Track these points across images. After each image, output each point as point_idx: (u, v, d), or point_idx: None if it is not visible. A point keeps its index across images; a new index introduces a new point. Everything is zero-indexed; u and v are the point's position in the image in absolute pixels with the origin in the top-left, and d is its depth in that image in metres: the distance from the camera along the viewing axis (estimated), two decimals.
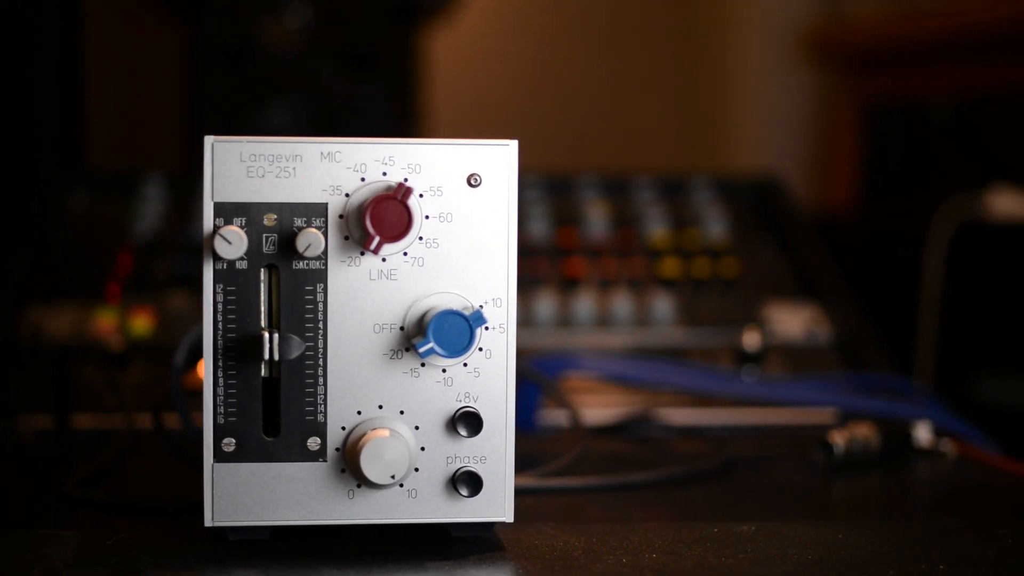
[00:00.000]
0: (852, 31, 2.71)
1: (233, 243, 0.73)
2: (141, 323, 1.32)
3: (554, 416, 1.17)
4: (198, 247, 1.40)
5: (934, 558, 0.76)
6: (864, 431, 1.08)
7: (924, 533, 0.84)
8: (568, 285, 1.40)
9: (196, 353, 0.96)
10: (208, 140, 0.75)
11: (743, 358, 1.30)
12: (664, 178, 1.59)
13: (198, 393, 0.96)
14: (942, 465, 1.09)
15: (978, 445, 1.16)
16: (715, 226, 1.49)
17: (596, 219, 1.49)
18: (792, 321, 1.38)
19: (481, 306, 0.76)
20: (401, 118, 1.97)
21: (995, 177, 2.11)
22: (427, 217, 0.76)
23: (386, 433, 0.74)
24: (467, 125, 2.62)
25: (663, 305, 1.37)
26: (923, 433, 1.12)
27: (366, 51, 1.96)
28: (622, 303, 1.37)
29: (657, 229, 1.48)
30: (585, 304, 1.37)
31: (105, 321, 1.31)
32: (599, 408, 1.22)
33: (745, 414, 1.23)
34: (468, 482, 0.76)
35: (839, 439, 1.06)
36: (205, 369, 0.75)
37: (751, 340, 1.30)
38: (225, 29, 1.93)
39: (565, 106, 2.86)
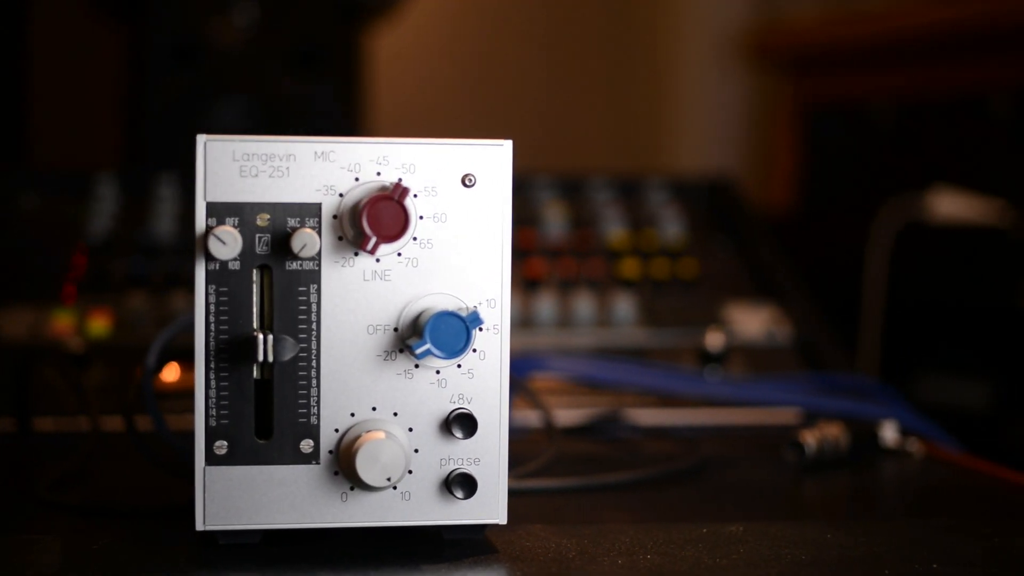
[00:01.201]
0: (791, 34, 2.73)
1: (228, 243, 0.72)
2: (99, 324, 1.30)
3: (523, 417, 1.17)
4: (155, 247, 1.39)
5: (926, 558, 0.77)
6: (834, 431, 1.09)
7: (911, 533, 0.84)
8: (529, 286, 1.40)
9: (167, 354, 0.95)
10: (201, 139, 0.74)
11: (706, 358, 1.30)
12: (619, 179, 1.59)
13: (167, 395, 0.95)
14: (910, 465, 1.10)
15: (942, 444, 1.17)
16: (671, 227, 1.49)
17: (554, 220, 1.49)
18: (751, 321, 1.38)
19: (476, 307, 0.76)
20: (348, 117, 1.96)
21: (936, 179, 2.13)
22: (421, 217, 0.76)
23: (382, 435, 0.74)
24: (412, 125, 2.61)
25: (624, 306, 1.38)
26: (889, 433, 1.13)
27: (314, 50, 1.95)
28: (583, 304, 1.37)
29: (614, 230, 1.48)
30: (546, 305, 1.37)
31: (62, 322, 1.29)
32: (563, 409, 1.22)
33: (710, 414, 1.23)
34: (463, 484, 0.76)
35: (810, 439, 1.07)
36: (196, 371, 0.74)
37: (714, 340, 1.30)
38: (172, 28, 1.91)
39: (507, 107, 2.86)
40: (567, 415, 1.19)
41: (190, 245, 1.39)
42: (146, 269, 1.36)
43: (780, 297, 1.42)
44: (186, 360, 1.09)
